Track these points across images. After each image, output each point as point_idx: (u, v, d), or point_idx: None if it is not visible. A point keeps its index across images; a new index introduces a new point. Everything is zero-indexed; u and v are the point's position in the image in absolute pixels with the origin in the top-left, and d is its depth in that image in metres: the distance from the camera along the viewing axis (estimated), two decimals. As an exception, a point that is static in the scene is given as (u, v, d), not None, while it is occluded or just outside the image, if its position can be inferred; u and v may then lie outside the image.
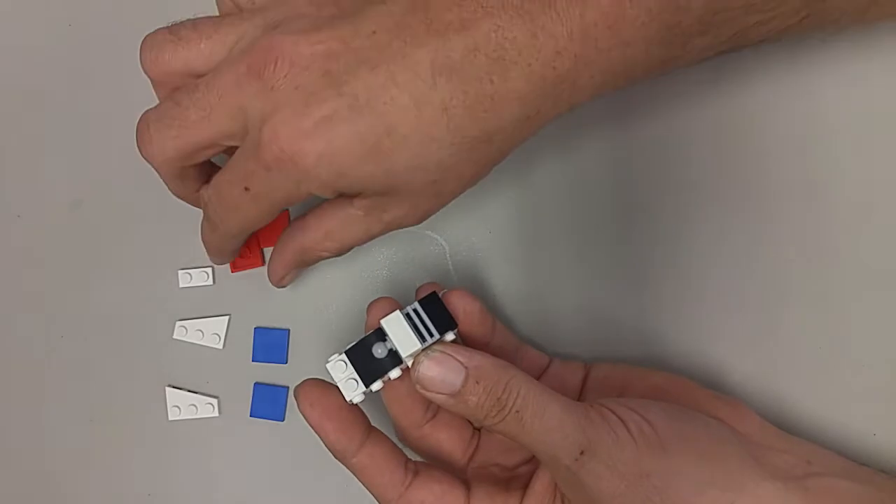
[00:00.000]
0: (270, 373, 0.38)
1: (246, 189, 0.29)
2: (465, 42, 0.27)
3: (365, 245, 0.38)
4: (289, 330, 0.38)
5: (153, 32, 0.31)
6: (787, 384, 0.36)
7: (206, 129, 0.29)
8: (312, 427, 0.30)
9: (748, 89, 0.37)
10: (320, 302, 0.38)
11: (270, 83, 0.27)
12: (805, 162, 0.36)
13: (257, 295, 0.38)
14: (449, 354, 0.29)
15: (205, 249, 0.35)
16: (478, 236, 0.38)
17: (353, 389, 0.30)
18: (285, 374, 0.38)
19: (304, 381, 0.31)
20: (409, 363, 0.30)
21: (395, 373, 0.30)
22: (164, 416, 0.38)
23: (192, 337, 0.38)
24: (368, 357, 0.30)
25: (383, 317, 0.30)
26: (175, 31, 0.31)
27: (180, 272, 0.39)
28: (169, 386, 0.38)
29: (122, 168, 0.39)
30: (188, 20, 0.31)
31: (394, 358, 0.30)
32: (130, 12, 0.40)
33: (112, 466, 0.38)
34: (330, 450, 0.31)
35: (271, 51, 0.27)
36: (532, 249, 0.38)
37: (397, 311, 0.30)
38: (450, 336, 0.30)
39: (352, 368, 0.30)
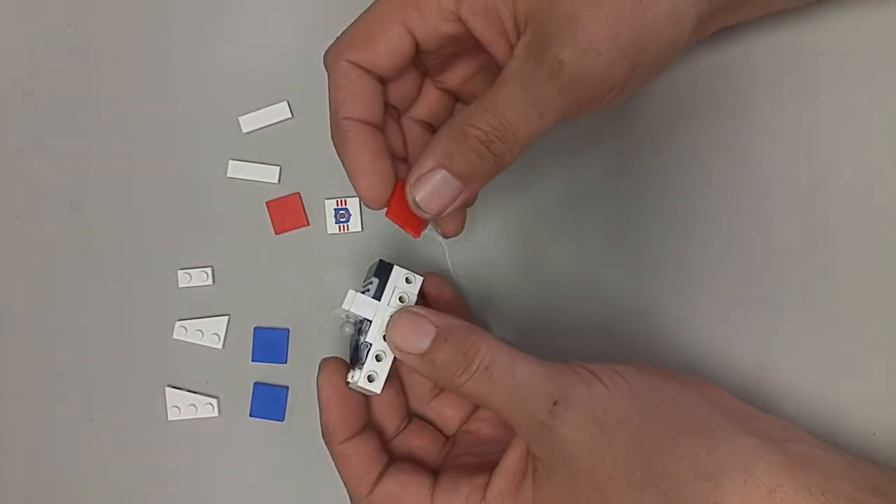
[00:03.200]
0: (270, 373, 0.38)
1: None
2: None
3: (365, 245, 0.38)
4: (288, 330, 0.38)
5: None
6: (787, 384, 0.36)
7: None
8: (319, 402, 0.31)
9: (748, 91, 0.37)
10: (320, 302, 0.38)
11: None
12: (805, 162, 0.36)
13: (257, 294, 0.38)
14: (418, 313, 0.29)
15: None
16: (478, 236, 0.38)
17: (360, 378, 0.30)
18: (285, 374, 0.38)
19: (333, 357, 0.32)
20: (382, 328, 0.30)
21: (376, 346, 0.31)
22: (164, 416, 0.38)
23: (192, 337, 0.38)
24: (357, 348, 0.31)
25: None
26: None
27: (180, 272, 0.39)
28: (168, 386, 0.38)
29: (122, 168, 0.39)
30: None
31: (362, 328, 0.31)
32: (130, 12, 0.40)
33: (112, 466, 0.38)
34: (323, 429, 0.31)
35: None
36: (532, 249, 0.38)
37: (350, 290, 0.31)
38: (415, 289, 0.31)
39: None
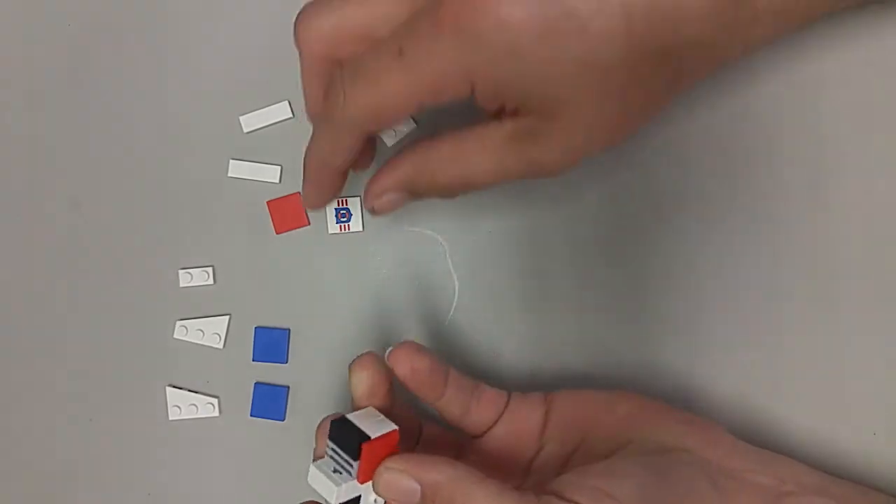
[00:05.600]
0: (271, 372, 0.38)
1: (400, 52, 0.27)
2: None
3: (365, 245, 0.38)
4: (289, 329, 0.38)
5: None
6: (787, 384, 0.36)
7: (367, 7, 0.28)
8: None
9: (748, 94, 0.37)
10: (320, 301, 0.38)
11: None
12: (805, 165, 0.36)
13: (257, 294, 0.38)
14: (403, 471, 0.28)
15: (304, 177, 0.32)
16: (478, 236, 0.38)
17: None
18: (285, 374, 0.38)
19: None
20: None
21: None
22: (165, 415, 0.38)
23: (193, 336, 0.38)
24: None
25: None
26: None
27: (181, 272, 0.38)
28: (169, 385, 0.38)
29: (123, 167, 0.39)
30: None
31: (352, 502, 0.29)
32: (130, 12, 0.40)
33: (112, 466, 0.38)
34: None
35: None
36: (531, 249, 0.38)
37: (311, 466, 0.28)
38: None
39: None
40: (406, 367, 0.30)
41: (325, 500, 0.28)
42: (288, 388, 0.38)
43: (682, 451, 0.31)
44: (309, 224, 0.38)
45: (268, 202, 0.39)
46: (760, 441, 0.33)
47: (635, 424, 0.32)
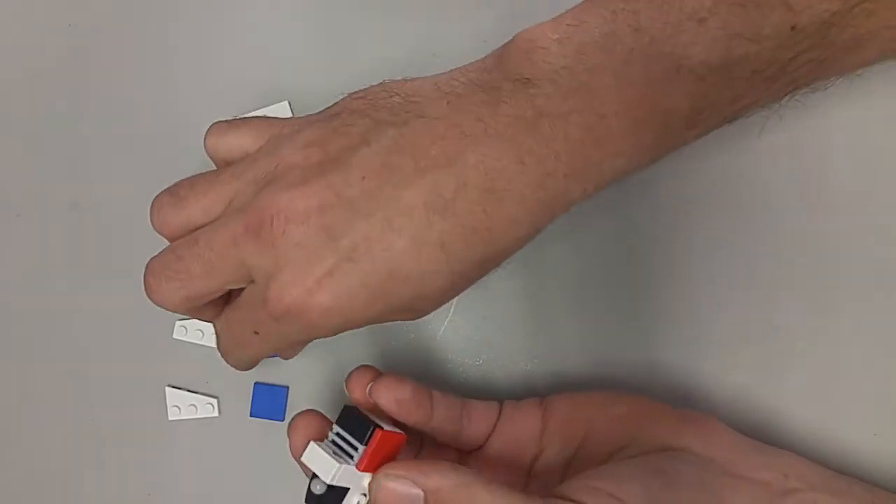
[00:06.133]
0: (270, 372, 0.38)
1: (255, 333, 0.29)
2: (455, 178, 0.27)
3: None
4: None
5: (158, 195, 0.31)
6: (787, 384, 0.36)
7: (211, 281, 0.29)
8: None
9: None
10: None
11: (270, 240, 0.27)
12: (805, 166, 0.36)
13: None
14: (405, 477, 0.27)
15: None
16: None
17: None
18: (285, 374, 0.38)
19: (307, 413, 0.31)
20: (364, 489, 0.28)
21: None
22: (164, 415, 0.38)
23: (192, 337, 0.38)
24: (314, 500, 0.28)
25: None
26: (174, 192, 0.31)
27: (180, 272, 0.38)
28: (169, 386, 0.38)
29: (122, 167, 0.39)
30: (186, 179, 0.31)
31: (338, 493, 0.28)
32: (130, 12, 0.40)
33: (112, 466, 0.38)
34: None
35: (267, 210, 0.27)
36: (531, 251, 0.38)
37: (311, 443, 0.28)
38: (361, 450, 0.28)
39: None
40: (390, 399, 0.30)
41: (319, 477, 0.28)
42: (287, 387, 0.38)
43: (684, 450, 0.31)
44: None
45: (267, 202, 0.38)
46: (761, 442, 0.33)
47: (634, 424, 0.32)
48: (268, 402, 0.38)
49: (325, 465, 0.27)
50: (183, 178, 0.39)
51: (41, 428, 0.39)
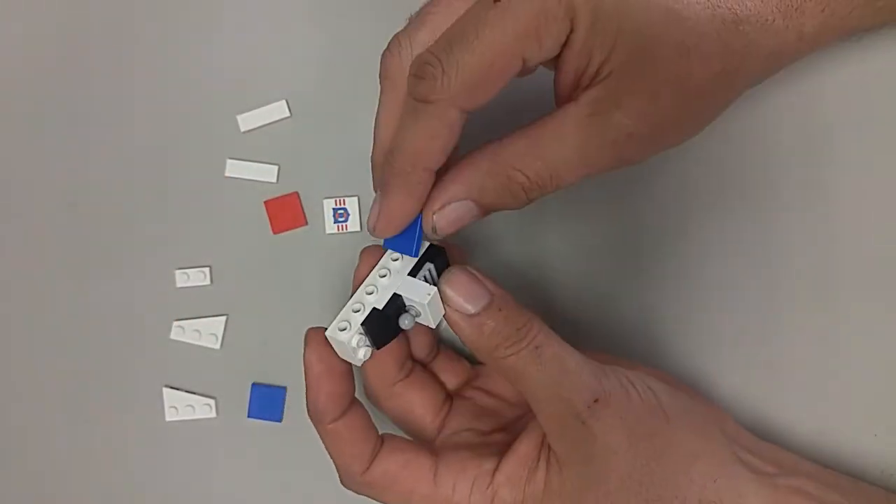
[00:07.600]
0: (268, 373, 0.38)
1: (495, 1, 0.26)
2: None
3: (362, 245, 0.38)
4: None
5: None
6: (787, 384, 0.36)
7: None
8: (308, 380, 0.29)
9: (749, 94, 0.37)
10: (319, 302, 0.38)
11: None
12: (805, 164, 0.36)
13: (255, 295, 0.38)
14: (475, 276, 0.28)
15: (385, 191, 0.29)
16: (478, 236, 0.38)
17: (362, 353, 0.29)
18: (283, 375, 0.38)
19: (317, 329, 0.29)
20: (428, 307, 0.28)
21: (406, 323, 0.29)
22: (162, 416, 0.38)
23: (190, 337, 0.38)
24: (384, 323, 0.29)
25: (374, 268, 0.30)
26: None
27: (177, 272, 0.38)
28: (166, 386, 0.38)
29: (121, 168, 0.39)
30: None
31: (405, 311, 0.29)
32: (129, 12, 0.40)
33: (109, 466, 0.38)
34: (310, 408, 0.30)
35: None
36: (532, 248, 0.38)
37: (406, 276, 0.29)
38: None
39: (359, 335, 0.29)
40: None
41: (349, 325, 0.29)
42: (286, 388, 0.38)
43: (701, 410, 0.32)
44: (306, 224, 0.38)
45: (265, 202, 0.38)
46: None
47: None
48: (266, 402, 0.38)
49: (419, 289, 0.28)
50: (181, 177, 0.39)
51: (38, 428, 0.39)
